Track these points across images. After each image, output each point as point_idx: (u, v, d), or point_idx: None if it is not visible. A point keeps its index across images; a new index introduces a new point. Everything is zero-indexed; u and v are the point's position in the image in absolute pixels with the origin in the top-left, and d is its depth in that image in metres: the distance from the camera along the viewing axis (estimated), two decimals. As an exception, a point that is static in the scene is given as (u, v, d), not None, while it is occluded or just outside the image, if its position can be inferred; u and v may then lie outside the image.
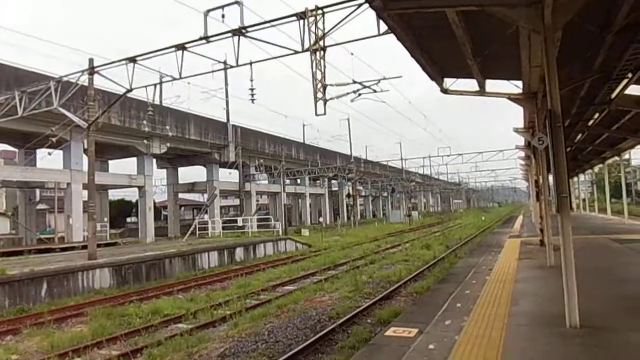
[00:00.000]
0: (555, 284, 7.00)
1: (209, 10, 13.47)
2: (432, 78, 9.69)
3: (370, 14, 9.87)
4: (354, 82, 15.74)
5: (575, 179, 40.16)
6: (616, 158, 25.23)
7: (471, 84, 10.41)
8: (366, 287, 13.15)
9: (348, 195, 55.04)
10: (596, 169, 36.42)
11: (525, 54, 7.61)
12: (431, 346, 5.19)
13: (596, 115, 14.29)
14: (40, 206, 35.89)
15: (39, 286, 13.21)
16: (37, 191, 32.86)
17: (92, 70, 16.77)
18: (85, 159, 24.43)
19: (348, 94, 15.68)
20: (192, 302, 12.30)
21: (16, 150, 30.58)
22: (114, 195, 46.17)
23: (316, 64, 12.74)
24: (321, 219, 53.74)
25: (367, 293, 12.43)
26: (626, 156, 24.78)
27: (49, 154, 24.09)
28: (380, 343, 6.19)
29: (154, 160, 34.48)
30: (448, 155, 51.41)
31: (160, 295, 13.75)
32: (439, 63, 9.25)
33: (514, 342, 5.11)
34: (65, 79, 17.47)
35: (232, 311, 10.75)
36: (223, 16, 13.36)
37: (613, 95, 11.39)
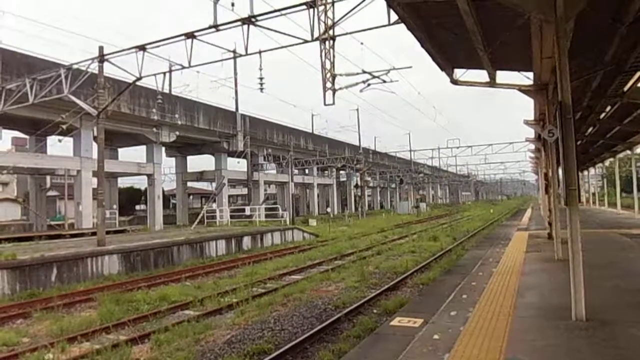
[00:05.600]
0: (562, 277, 6.98)
1: (218, -1, 13.43)
2: (442, 68, 9.62)
3: (381, 3, 9.84)
4: (363, 72, 15.68)
5: (586, 172, 39.82)
6: (628, 152, 24.98)
7: (481, 76, 10.33)
8: (372, 278, 13.18)
9: (356, 186, 55.07)
10: (607, 162, 36.12)
11: (536, 44, 7.51)
12: (436, 336, 5.21)
13: (608, 108, 14.12)
14: (51, 193, 36.31)
15: (49, 271, 13.40)
16: (48, 178, 33.22)
17: (102, 58, 16.83)
18: (95, 146, 24.59)
19: (357, 84, 15.63)
20: (200, 290, 12.41)
21: (27, 137, 30.83)
22: (123, 182, 46.47)
23: (325, 54, 12.72)
24: (329, 209, 53.79)
25: (373, 283, 12.45)
26: (638, 150, 24.46)
27: (60, 141, 24.23)
28: (386, 332, 6.23)
29: (163, 149, 34.63)
30: (457, 147, 51.38)
31: (168, 282, 13.87)
32: (449, 53, 9.17)
33: (519, 333, 5.11)
34: (75, 66, 17.56)
35: (238, 299, 10.84)
36: (233, 4, 13.41)
37: (625, 88, 11.26)
